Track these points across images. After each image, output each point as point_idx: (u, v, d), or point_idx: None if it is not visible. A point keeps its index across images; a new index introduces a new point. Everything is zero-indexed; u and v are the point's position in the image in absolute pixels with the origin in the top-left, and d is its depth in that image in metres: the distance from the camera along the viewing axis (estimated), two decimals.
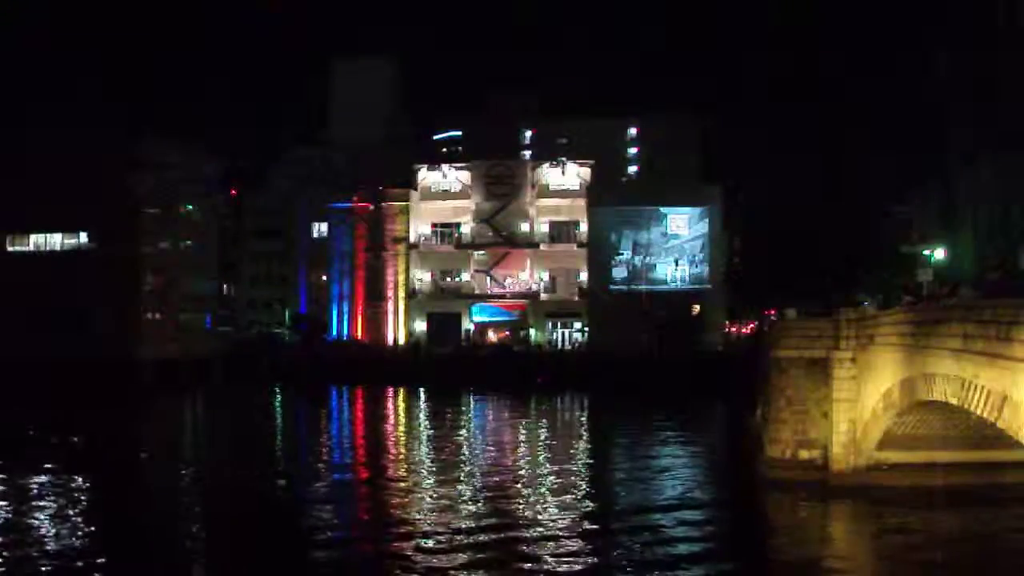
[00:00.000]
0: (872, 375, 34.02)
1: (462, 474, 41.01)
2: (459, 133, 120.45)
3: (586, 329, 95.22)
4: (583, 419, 67.73)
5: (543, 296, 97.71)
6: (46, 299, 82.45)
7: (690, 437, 52.24)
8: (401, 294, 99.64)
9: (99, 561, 26.54)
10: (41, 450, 45.46)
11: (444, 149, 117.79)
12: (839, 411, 35.29)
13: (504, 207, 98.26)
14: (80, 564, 26.08)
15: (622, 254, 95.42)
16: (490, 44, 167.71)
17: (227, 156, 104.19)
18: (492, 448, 50.17)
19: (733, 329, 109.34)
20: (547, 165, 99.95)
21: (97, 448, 48.85)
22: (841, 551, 29.10)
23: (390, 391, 79.65)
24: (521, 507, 33.73)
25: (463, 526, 30.72)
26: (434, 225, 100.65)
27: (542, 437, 55.68)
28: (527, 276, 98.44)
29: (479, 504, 34.27)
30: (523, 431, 57.86)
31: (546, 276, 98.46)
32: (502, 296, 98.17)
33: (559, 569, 25.81)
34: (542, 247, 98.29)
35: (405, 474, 41.90)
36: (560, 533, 29.66)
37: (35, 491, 36.27)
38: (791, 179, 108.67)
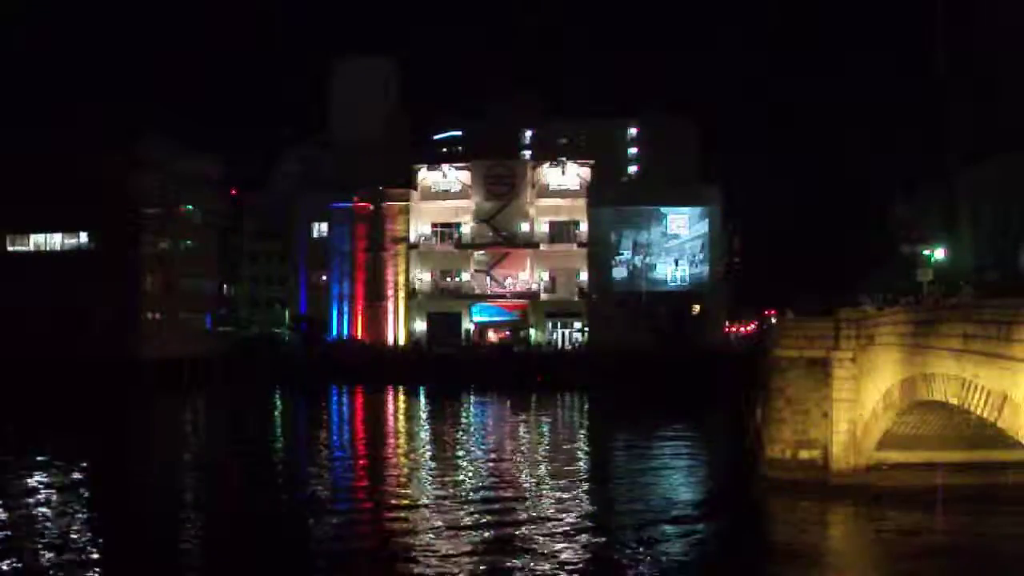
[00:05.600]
0: (872, 375, 34.02)
1: (462, 474, 41.03)
2: (459, 133, 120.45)
3: (586, 329, 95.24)
4: (583, 419, 67.75)
5: (543, 296, 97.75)
6: (46, 299, 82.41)
7: (690, 437, 52.22)
8: (401, 294, 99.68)
9: (99, 561, 26.56)
10: (41, 450, 45.43)
11: (444, 149, 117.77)
12: (839, 411, 35.28)
13: (504, 207, 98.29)
14: (80, 564, 26.10)
15: (622, 254, 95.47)
16: (491, 44, 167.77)
17: (227, 156, 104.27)
18: (492, 448, 50.17)
19: (733, 329, 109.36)
20: (547, 165, 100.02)
21: (97, 448, 48.82)
22: (841, 551, 29.11)
23: (390, 391, 79.69)
24: (521, 506, 33.74)
25: (462, 528, 30.75)
26: (434, 225, 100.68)
27: (542, 437, 55.72)
28: (527, 276, 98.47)
29: (478, 503, 34.27)
30: (523, 431, 57.91)
31: (546, 276, 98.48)
32: (502, 296, 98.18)
33: (559, 568, 25.83)
34: (542, 247, 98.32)
35: (405, 474, 41.92)
36: (560, 532, 29.68)
37: (35, 491, 36.27)
38: (791, 179, 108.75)
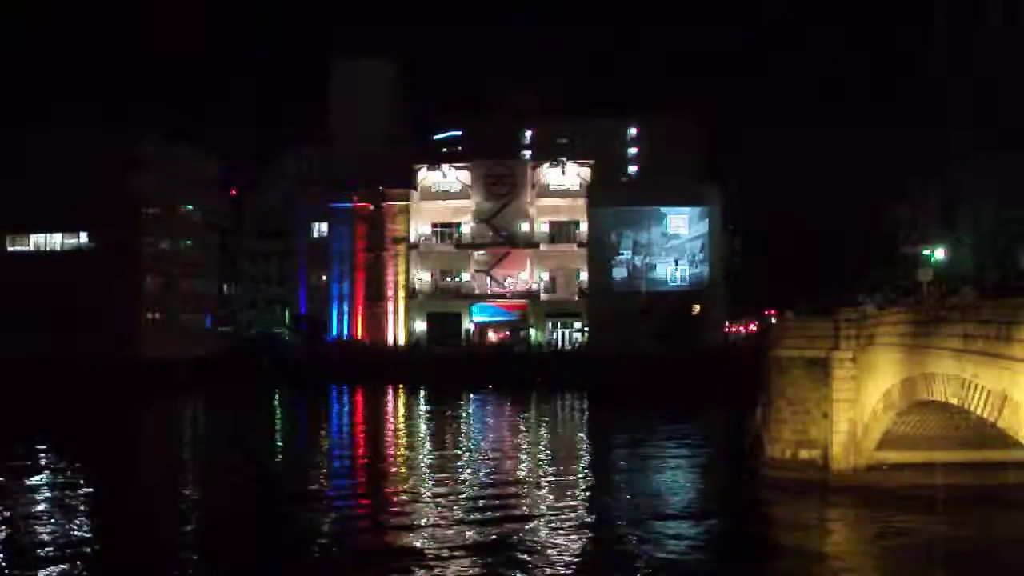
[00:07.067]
0: (872, 375, 34.02)
1: (462, 473, 41.06)
2: (459, 133, 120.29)
3: (586, 329, 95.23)
4: (583, 419, 67.75)
5: (543, 296, 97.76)
6: (46, 299, 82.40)
7: (690, 437, 52.17)
8: (401, 294, 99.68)
9: (99, 560, 26.56)
10: (41, 450, 45.46)
11: (444, 149, 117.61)
12: (839, 411, 35.29)
13: (504, 207, 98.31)
14: (80, 564, 26.10)
15: (622, 254, 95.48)
16: (490, 44, 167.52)
17: (227, 156, 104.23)
18: (492, 447, 50.17)
19: (733, 329, 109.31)
20: (547, 165, 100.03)
21: (97, 448, 48.82)
22: (841, 551, 29.08)
23: (390, 391, 79.71)
24: (520, 504, 33.78)
25: (461, 526, 30.75)
26: (434, 225, 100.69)
27: (542, 437, 55.75)
28: (527, 276, 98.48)
29: (478, 501, 34.28)
30: (523, 431, 57.93)
31: (546, 276, 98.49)
32: (502, 296, 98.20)
33: (558, 566, 25.83)
34: (542, 247, 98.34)
35: (404, 474, 41.92)
36: (559, 530, 29.68)
37: (35, 491, 36.29)
38: (791, 178, 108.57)
